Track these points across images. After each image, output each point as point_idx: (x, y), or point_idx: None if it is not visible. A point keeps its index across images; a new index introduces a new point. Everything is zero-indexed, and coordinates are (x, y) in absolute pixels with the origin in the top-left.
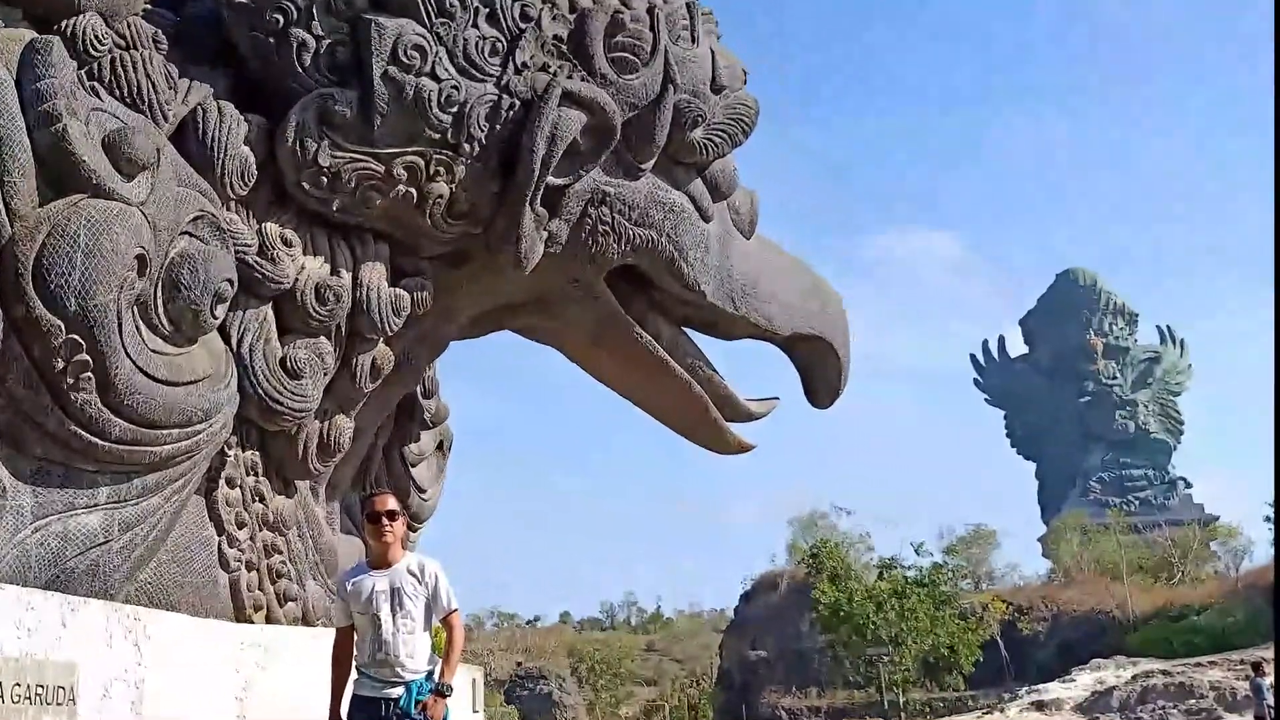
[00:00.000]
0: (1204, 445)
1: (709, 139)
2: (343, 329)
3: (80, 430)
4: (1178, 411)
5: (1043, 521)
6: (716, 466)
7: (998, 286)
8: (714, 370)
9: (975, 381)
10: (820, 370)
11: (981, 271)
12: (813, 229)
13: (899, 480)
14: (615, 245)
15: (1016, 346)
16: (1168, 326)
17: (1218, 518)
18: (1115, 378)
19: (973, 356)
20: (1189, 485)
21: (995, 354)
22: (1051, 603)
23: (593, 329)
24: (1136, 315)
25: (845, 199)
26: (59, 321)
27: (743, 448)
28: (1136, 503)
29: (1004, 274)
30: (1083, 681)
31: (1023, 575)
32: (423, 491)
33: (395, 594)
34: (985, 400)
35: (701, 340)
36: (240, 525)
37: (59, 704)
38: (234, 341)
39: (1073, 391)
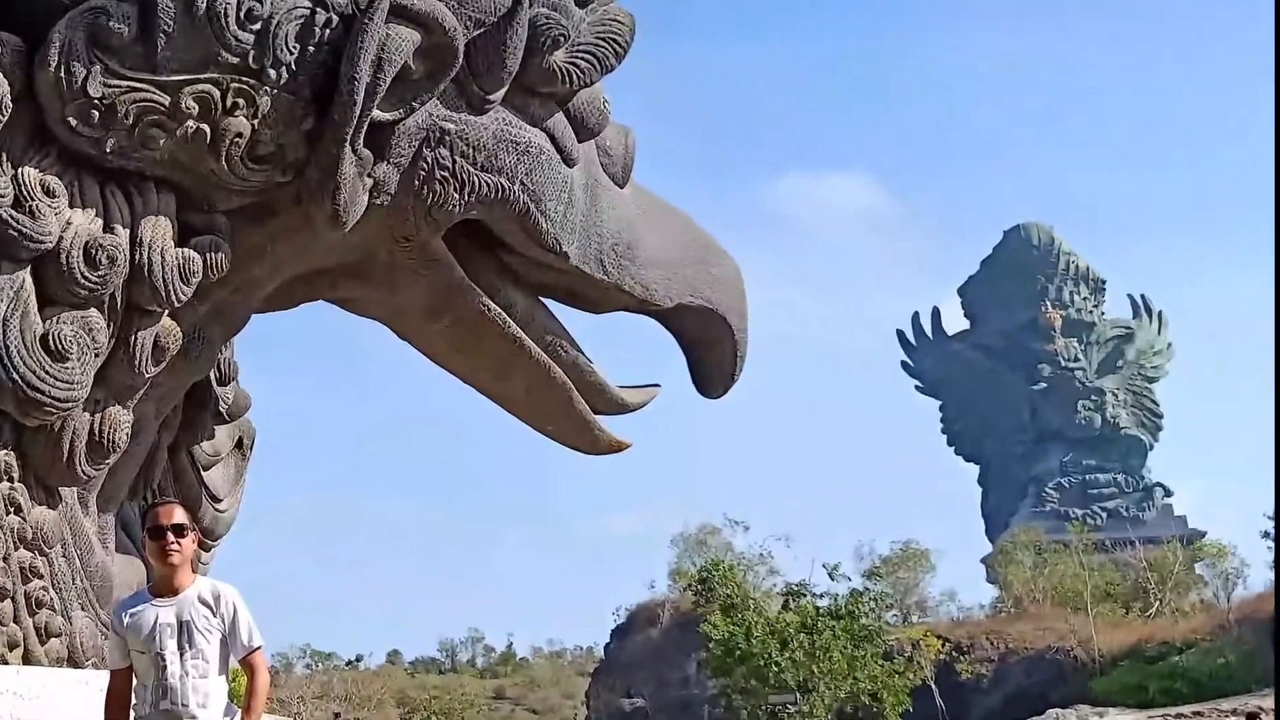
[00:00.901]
0: (1187, 444)
1: (573, 63)
2: (119, 299)
3: None
4: (1155, 402)
5: (987, 538)
6: (583, 470)
7: (930, 245)
8: (580, 351)
9: (903, 365)
10: (711, 350)
11: (910, 226)
12: (700, 174)
13: (809, 487)
14: (457, 195)
15: (954, 321)
16: (1142, 296)
17: (1204, 534)
18: (1077, 360)
19: (900, 333)
20: (1169, 493)
21: (928, 330)
22: (998, 639)
23: (428, 300)
24: (1104, 282)
25: (739, 137)
26: None
27: (615, 446)
28: (1104, 515)
29: (938, 230)
30: None
31: (962, 605)
32: (217, 501)
33: (184, 628)
34: (916, 388)
35: (565, 314)
36: None
37: None
38: None
39: (1024, 377)
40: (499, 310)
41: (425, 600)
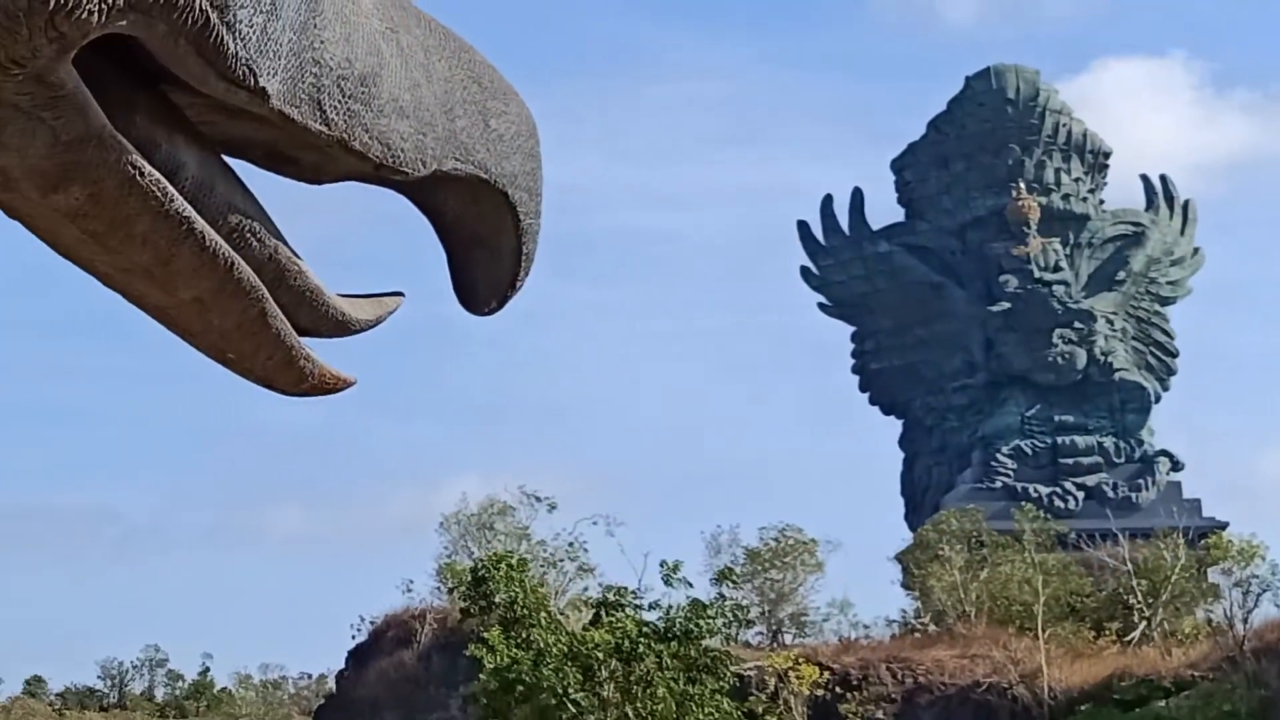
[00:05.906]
0: (1213, 395)
1: None
2: None
3: None
4: (1168, 333)
5: (907, 525)
6: (311, 420)
7: (852, 94)
8: (283, 240)
9: (804, 272)
10: (483, 243)
11: (816, 64)
12: None
13: (650, 450)
14: None
15: (884, 209)
16: (1163, 179)
17: (1225, 525)
18: (1058, 269)
19: (803, 226)
20: (1177, 466)
21: (843, 222)
22: (905, 670)
23: (50, 160)
24: (1108, 155)
25: None
26: None
27: (329, 384)
28: (1078, 496)
29: (863, 71)
30: None
31: (862, 620)
32: None
33: None
34: (820, 306)
35: (263, 184)
36: None
37: None
38: None
39: (978, 293)
40: (157, 176)
41: (77, 610)
